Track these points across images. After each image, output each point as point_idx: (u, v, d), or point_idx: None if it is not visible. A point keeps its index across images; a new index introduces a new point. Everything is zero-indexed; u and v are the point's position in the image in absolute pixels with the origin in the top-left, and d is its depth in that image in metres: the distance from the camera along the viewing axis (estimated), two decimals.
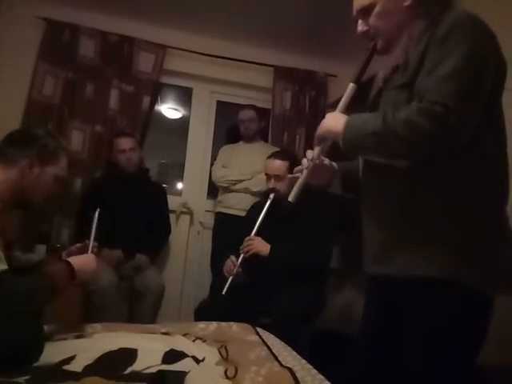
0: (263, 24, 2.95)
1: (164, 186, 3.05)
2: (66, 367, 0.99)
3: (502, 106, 1.02)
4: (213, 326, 1.49)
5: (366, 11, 1.10)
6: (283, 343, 1.38)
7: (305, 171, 1.19)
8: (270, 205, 2.01)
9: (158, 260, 2.78)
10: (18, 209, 1.34)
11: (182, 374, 0.96)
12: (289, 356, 1.25)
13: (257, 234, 2.01)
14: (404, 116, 0.93)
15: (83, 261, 1.30)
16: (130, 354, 1.08)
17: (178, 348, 1.15)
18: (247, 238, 2.00)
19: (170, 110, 3.65)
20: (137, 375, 0.98)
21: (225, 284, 1.89)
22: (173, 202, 3.00)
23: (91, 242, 1.43)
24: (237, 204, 2.80)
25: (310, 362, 1.20)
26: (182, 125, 3.38)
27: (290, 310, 1.82)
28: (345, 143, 1.05)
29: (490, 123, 0.97)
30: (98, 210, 1.50)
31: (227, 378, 1.03)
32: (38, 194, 1.32)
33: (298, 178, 1.20)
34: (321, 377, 1.08)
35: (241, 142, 3.06)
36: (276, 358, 1.20)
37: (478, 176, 0.97)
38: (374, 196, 1.10)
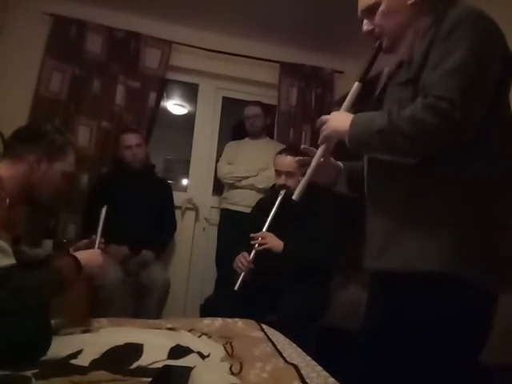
0: (269, 20, 2.94)
1: (169, 182, 3.06)
2: (73, 361, 1.01)
3: (509, 102, 1.01)
4: (218, 322, 1.50)
5: (370, 10, 1.10)
6: (288, 340, 1.38)
7: (309, 170, 1.19)
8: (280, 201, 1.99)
9: (163, 256, 2.79)
10: (26, 204, 1.35)
11: (188, 370, 0.97)
12: (294, 353, 1.25)
13: (267, 231, 1.98)
14: (409, 113, 0.93)
15: (90, 256, 1.31)
16: (136, 349, 1.09)
17: (184, 343, 1.16)
18: (259, 233, 1.96)
19: (175, 106, 3.66)
20: (143, 370, 0.99)
21: (236, 280, 1.85)
22: (178, 198, 3.01)
23: (98, 238, 1.44)
24: (242, 200, 2.80)
25: (316, 358, 1.20)
26: (188, 121, 3.38)
27: (296, 307, 1.81)
28: (351, 141, 1.05)
29: (496, 121, 0.97)
30: (106, 206, 1.51)
31: (232, 373, 1.04)
32: (46, 190, 1.33)
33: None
34: (326, 374, 1.08)
35: (246, 139, 3.06)
36: (281, 355, 1.20)
37: (483, 174, 0.96)
38: (378, 192, 1.10)
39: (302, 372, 1.05)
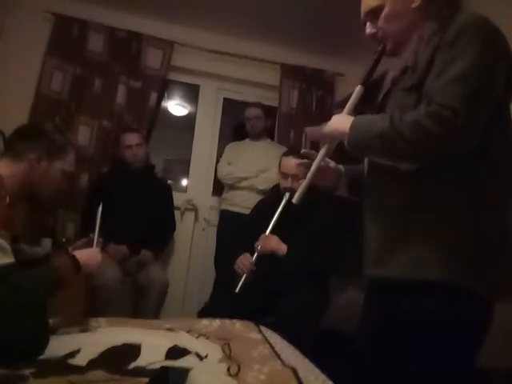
0: (271, 21, 2.95)
1: (169, 182, 3.06)
2: (70, 361, 1.01)
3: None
4: (216, 323, 1.50)
5: (374, 13, 1.10)
6: (286, 342, 1.38)
7: (309, 173, 1.18)
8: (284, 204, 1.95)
9: (162, 256, 2.79)
10: (26, 202, 1.35)
11: (185, 371, 0.96)
12: (292, 355, 1.24)
13: (271, 233, 1.95)
14: (411, 118, 0.92)
15: (88, 254, 1.31)
16: (133, 350, 1.09)
17: (182, 344, 1.16)
18: (263, 235, 1.94)
19: (176, 106, 3.66)
20: (140, 371, 0.99)
21: (237, 281, 1.83)
22: (178, 198, 3.01)
23: (96, 237, 1.44)
24: (242, 202, 2.80)
25: (314, 361, 1.20)
26: (188, 121, 3.38)
27: (295, 310, 1.81)
28: (350, 143, 1.04)
29: (499, 131, 0.96)
30: (101, 204, 1.51)
31: (230, 375, 1.03)
32: (46, 188, 1.33)
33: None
34: (323, 376, 1.08)
35: (247, 140, 3.05)
36: (279, 357, 1.20)
37: (485, 185, 0.95)
38: (378, 197, 1.09)
39: (299, 375, 1.04)
